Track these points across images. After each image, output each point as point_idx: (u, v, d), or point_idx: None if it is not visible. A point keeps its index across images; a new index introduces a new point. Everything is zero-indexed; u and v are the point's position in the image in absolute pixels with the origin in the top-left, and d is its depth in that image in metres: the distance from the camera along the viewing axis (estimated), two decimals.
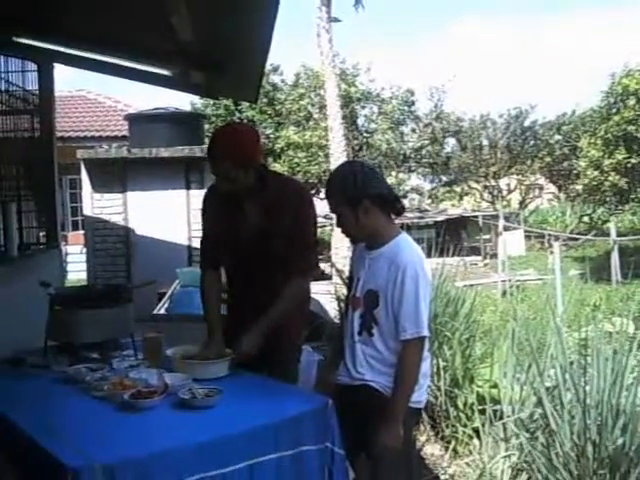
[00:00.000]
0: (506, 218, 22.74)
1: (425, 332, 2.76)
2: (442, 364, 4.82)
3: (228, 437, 2.40)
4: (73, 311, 3.35)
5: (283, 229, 3.22)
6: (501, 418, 3.97)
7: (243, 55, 5.15)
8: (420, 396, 2.90)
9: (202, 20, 4.55)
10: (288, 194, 3.30)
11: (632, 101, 19.00)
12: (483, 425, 4.16)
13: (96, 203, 9.73)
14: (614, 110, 19.89)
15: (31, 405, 2.74)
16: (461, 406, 4.65)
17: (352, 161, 3.29)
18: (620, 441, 3.14)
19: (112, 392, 2.72)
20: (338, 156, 14.84)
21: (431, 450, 4.76)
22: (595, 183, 20.34)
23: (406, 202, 32.14)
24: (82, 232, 12.89)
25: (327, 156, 19.22)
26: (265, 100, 29.77)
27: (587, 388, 3.31)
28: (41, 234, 7.15)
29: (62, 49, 6.14)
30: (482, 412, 4.33)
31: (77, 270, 13.46)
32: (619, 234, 19.88)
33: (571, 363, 3.54)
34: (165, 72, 6.08)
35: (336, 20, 16.41)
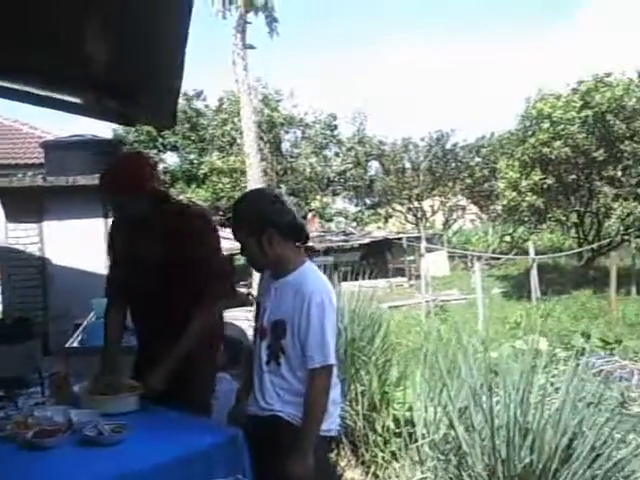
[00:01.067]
0: (429, 239, 23.15)
1: (332, 360, 2.75)
2: (360, 388, 4.84)
3: (135, 474, 2.36)
4: None
5: (185, 256, 3.19)
6: (417, 441, 4.01)
7: (155, 83, 5.12)
8: (330, 424, 2.89)
9: (112, 49, 4.51)
10: (190, 221, 3.30)
11: (546, 124, 19.69)
12: (399, 449, 4.19)
13: (11, 233, 9.45)
14: (530, 133, 20.59)
15: None
16: (380, 430, 4.67)
17: (259, 189, 3.31)
18: (528, 459, 3.20)
19: (15, 432, 2.64)
20: (255, 181, 14.92)
21: (352, 475, 4.76)
22: (514, 203, 20.92)
23: (332, 225, 32.42)
24: None
25: None
26: (188, 125, 29.70)
27: (497, 408, 3.37)
28: None
29: None
30: (400, 435, 4.37)
31: None
32: (538, 252, 20.52)
33: (482, 385, 3.60)
34: (76, 100, 5.99)
35: (251, 47, 16.58)
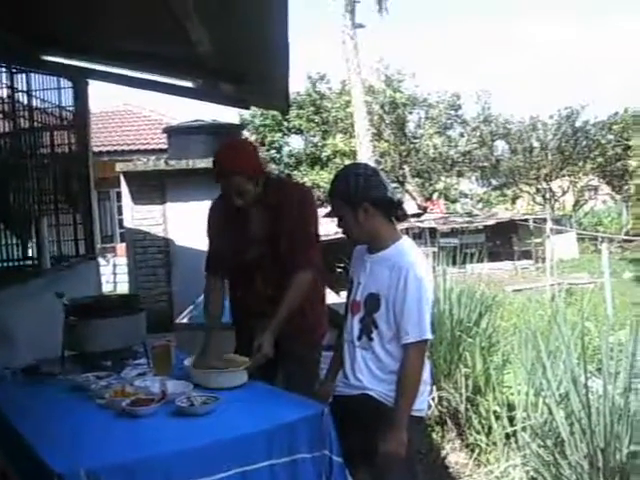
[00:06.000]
0: (557, 221, 22.36)
1: (428, 335, 2.73)
2: (464, 371, 4.76)
3: (217, 444, 2.42)
4: (84, 321, 3.42)
5: (287, 228, 3.32)
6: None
7: (263, 66, 5.22)
8: (421, 404, 2.86)
9: (217, 33, 4.64)
10: (290, 195, 3.43)
11: None
12: (500, 434, 4.09)
13: (136, 215, 9.90)
14: None
15: (34, 411, 2.82)
16: (484, 413, 4.58)
17: (356, 164, 3.28)
18: (628, 450, 3.05)
19: (112, 400, 2.78)
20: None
21: (456, 458, 4.71)
22: None
23: (457, 207, 31.92)
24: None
25: None
26: (312, 108, 30.00)
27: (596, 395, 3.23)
28: (80, 246, 7.32)
29: (93, 66, 6.32)
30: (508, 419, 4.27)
31: (125, 281, 13.69)
32: None
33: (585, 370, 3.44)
34: (192, 85, 6.20)
35: (360, 26, 16.56)
